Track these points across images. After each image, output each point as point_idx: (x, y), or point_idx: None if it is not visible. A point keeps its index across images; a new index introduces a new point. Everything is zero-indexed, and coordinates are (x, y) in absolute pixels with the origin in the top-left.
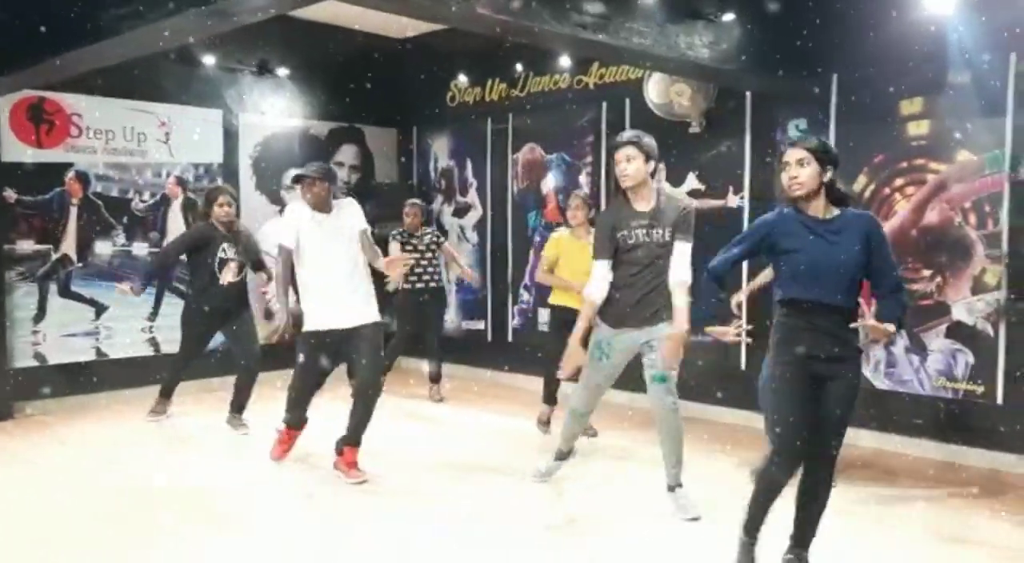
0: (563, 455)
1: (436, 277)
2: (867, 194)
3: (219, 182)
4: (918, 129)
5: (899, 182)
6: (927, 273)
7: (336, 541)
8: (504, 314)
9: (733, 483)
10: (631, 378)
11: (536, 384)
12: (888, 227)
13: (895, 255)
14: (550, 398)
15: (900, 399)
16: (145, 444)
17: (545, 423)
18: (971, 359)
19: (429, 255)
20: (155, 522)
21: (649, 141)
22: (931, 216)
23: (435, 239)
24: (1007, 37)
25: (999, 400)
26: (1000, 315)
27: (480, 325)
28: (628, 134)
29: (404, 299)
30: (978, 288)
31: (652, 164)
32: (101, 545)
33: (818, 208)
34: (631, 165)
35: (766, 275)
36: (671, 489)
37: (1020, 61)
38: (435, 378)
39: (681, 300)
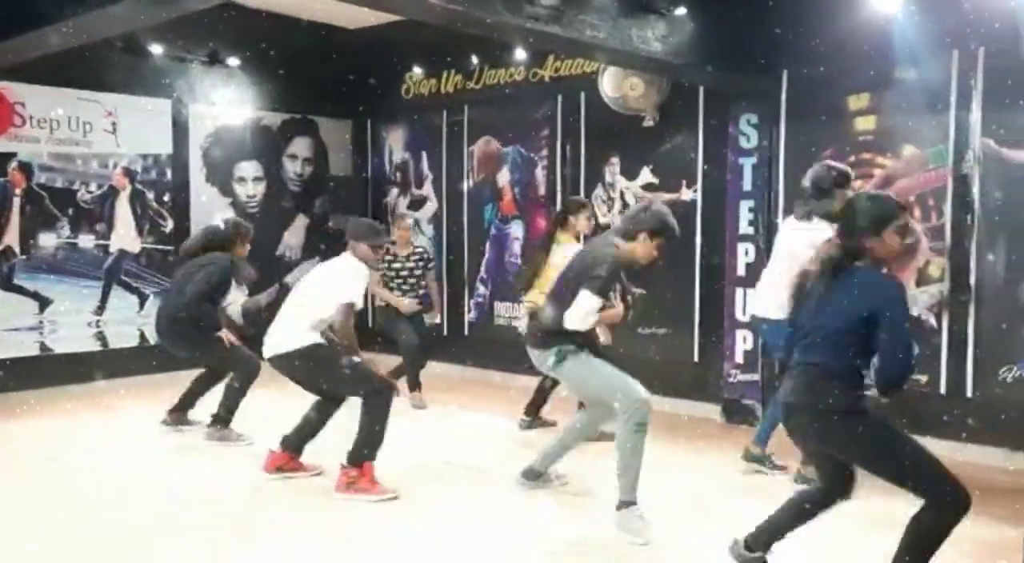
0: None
1: (416, 293)
2: None
3: (168, 176)
4: (866, 124)
5: None
6: None
7: (289, 542)
8: (460, 308)
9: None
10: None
11: (496, 378)
12: None
13: None
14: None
15: None
16: (90, 440)
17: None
18: (916, 350)
19: (414, 278)
20: (98, 518)
21: None
22: None
23: (421, 258)
24: (950, 35)
25: (942, 390)
26: (943, 307)
27: (436, 319)
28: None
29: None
30: (922, 280)
31: None
32: (39, 540)
33: None
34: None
35: None
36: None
37: (962, 58)
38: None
39: None
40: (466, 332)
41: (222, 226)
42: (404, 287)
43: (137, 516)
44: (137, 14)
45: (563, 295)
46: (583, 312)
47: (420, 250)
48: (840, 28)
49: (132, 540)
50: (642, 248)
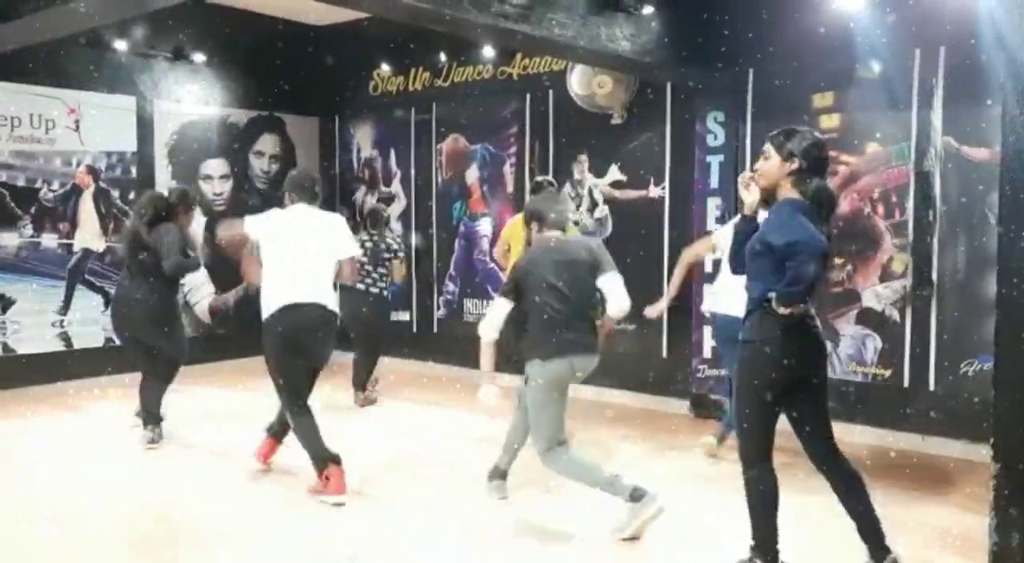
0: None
1: (380, 281)
2: None
3: (133, 173)
4: (830, 122)
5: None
6: (839, 261)
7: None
8: (430, 305)
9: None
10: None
11: (463, 374)
12: None
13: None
14: None
15: None
16: (54, 442)
17: None
18: (879, 344)
19: (384, 258)
20: (54, 522)
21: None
22: (842, 206)
23: (390, 249)
24: (912, 34)
25: (905, 383)
26: (907, 301)
27: (405, 316)
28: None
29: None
30: (886, 276)
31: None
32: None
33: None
34: None
35: None
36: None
37: (923, 57)
38: (363, 385)
39: None
40: (435, 330)
41: (166, 193)
42: (373, 275)
43: (103, 519)
44: (101, 11)
45: None
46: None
47: (388, 240)
48: (805, 26)
49: (97, 543)
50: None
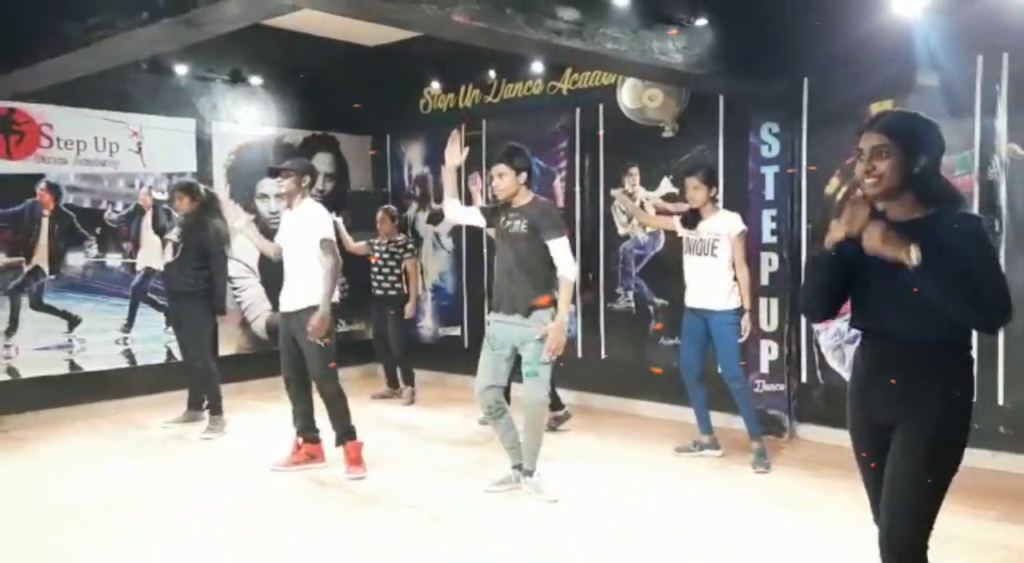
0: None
1: (396, 284)
2: (840, 195)
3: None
4: None
5: (867, 191)
6: None
7: (320, 552)
8: (480, 320)
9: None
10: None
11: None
12: None
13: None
14: None
15: None
16: (119, 457)
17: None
18: None
19: (392, 264)
20: (119, 537)
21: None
22: None
23: (401, 246)
24: (974, 39)
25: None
26: None
27: (456, 331)
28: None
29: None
30: None
31: (524, 175)
32: (66, 559)
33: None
34: (503, 180)
35: None
36: (529, 474)
37: (986, 63)
38: (396, 383)
39: (562, 297)
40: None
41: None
42: (378, 277)
43: (171, 533)
44: (164, 38)
45: None
46: None
47: (401, 239)
48: (861, 34)
49: (163, 559)
50: None
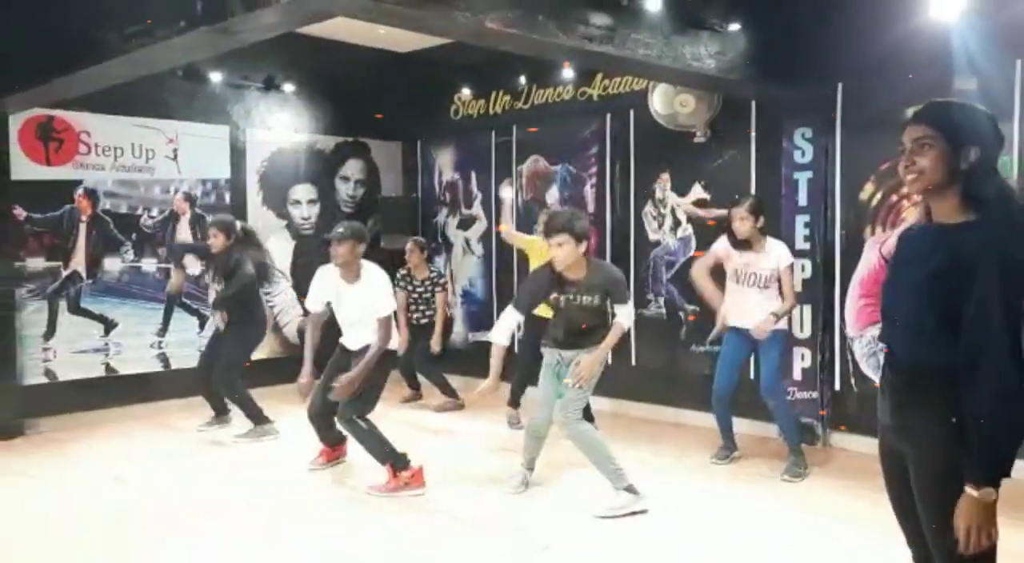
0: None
1: (428, 314)
2: (874, 201)
3: (227, 198)
4: None
5: (906, 189)
6: None
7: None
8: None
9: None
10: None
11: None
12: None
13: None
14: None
15: None
16: (154, 460)
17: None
18: None
19: (427, 297)
20: (152, 539)
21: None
22: None
23: (433, 282)
24: (1013, 43)
25: None
26: None
27: (486, 337)
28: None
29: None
30: None
31: (584, 245)
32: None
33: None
34: (562, 250)
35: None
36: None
37: None
38: (418, 385)
39: (611, 337)
40: (516, 349)
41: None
42: (418, 309)
43: (203, 536)
44: (201, 45)
45: None
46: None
47: (433, 274)
48: (896, 38)
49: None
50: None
